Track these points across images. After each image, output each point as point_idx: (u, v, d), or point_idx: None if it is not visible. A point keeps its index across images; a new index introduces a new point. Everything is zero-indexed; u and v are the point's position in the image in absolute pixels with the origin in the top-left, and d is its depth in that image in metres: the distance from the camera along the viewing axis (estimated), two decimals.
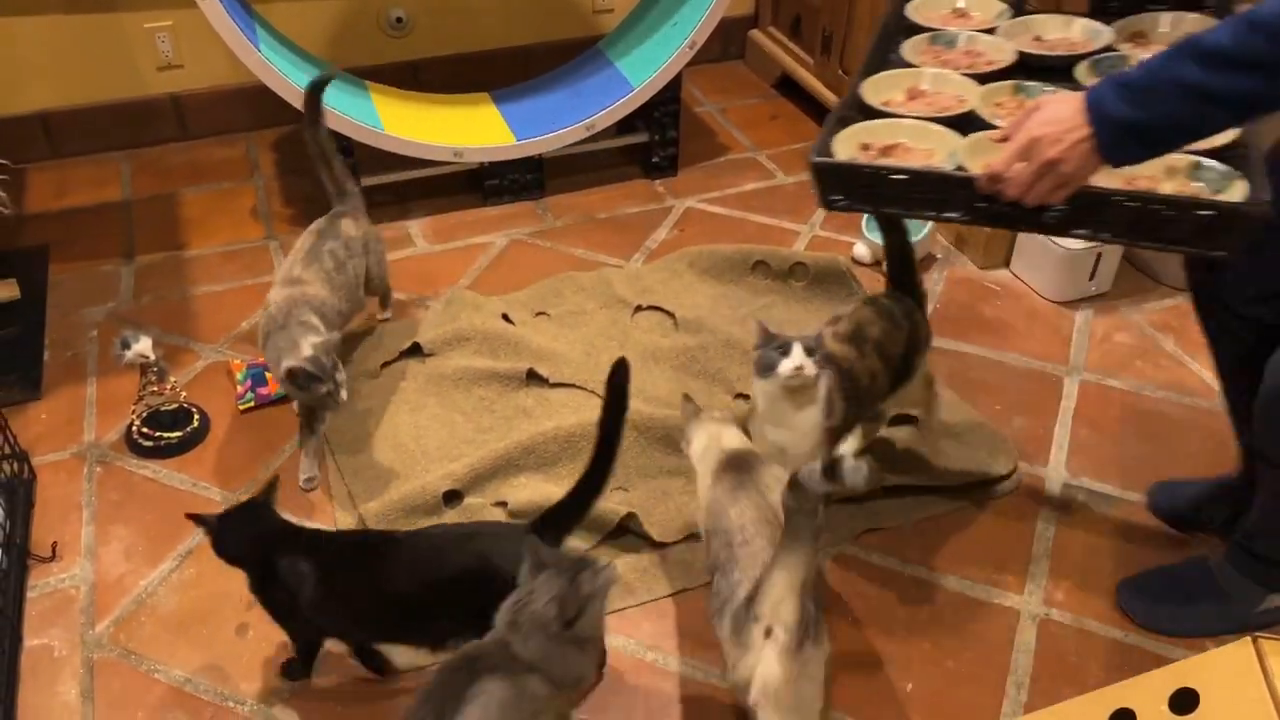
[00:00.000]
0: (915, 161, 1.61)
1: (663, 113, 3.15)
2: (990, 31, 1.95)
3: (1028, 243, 2.74)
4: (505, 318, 2.59)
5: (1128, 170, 1.40)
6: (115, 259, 2.87)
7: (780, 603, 1.39)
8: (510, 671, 1.39)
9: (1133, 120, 1.26)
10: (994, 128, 1.61)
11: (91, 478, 2.20)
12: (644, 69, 3.07)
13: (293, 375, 2.00)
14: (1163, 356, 2.52)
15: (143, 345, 2.16)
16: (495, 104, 3.20)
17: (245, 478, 2.20)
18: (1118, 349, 2.56)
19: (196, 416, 2.31)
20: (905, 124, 1.69)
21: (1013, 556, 2.03)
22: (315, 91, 2.39)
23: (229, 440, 2.30)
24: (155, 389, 2.25)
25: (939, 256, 2.88)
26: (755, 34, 3.90)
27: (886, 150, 1.65)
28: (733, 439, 1.78)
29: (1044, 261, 2.69)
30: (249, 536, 1.66)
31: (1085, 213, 1.42)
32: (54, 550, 2.02)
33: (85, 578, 1.99)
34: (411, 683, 1.78)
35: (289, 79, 2.67)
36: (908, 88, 1.81)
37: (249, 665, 1.83)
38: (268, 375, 2.39)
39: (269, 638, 1.86)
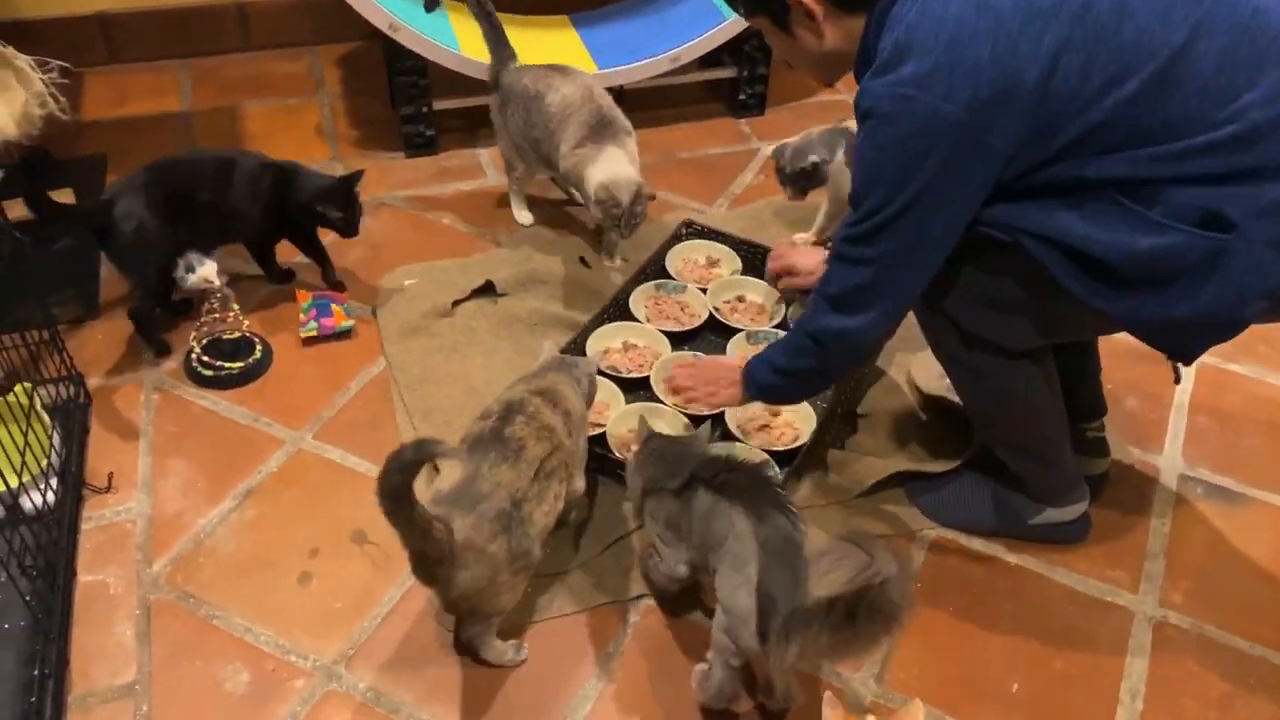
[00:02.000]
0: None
1: (754, 46, 2.95)
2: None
3: None
4: (582, 259, 2.45)
5: None
6: None
7: None
8: None
9: (772, 388, 1.78)
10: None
11: (149, 405, 2.09)
12: None
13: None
14: None
15: (207, 269, 2.04)
16: (575, 28, 3.01)
17: (308, 414, 2.09)
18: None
19: (259, 347, 2.19)
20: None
21: (1126, 551, 1.88)
22: None
23: (291, 374, 2.18)
24: (218, 316, 2.13)
25: None
26: None
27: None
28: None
29: None
30: None
31: None
32: (110, 481, 1.93)
33: (142, 512, 1.89)
34: (484, 670, 1.68)
35: None
36: (622, 340, 2.22)
37: (312, 618, 1.73)
38: (333, 307, 2.27)
39: (333, 590, 1.77)
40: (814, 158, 2.24)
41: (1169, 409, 2.17)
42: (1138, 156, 1.36)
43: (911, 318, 1.65)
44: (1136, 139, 1.36)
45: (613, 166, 2.24)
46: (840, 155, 2.24)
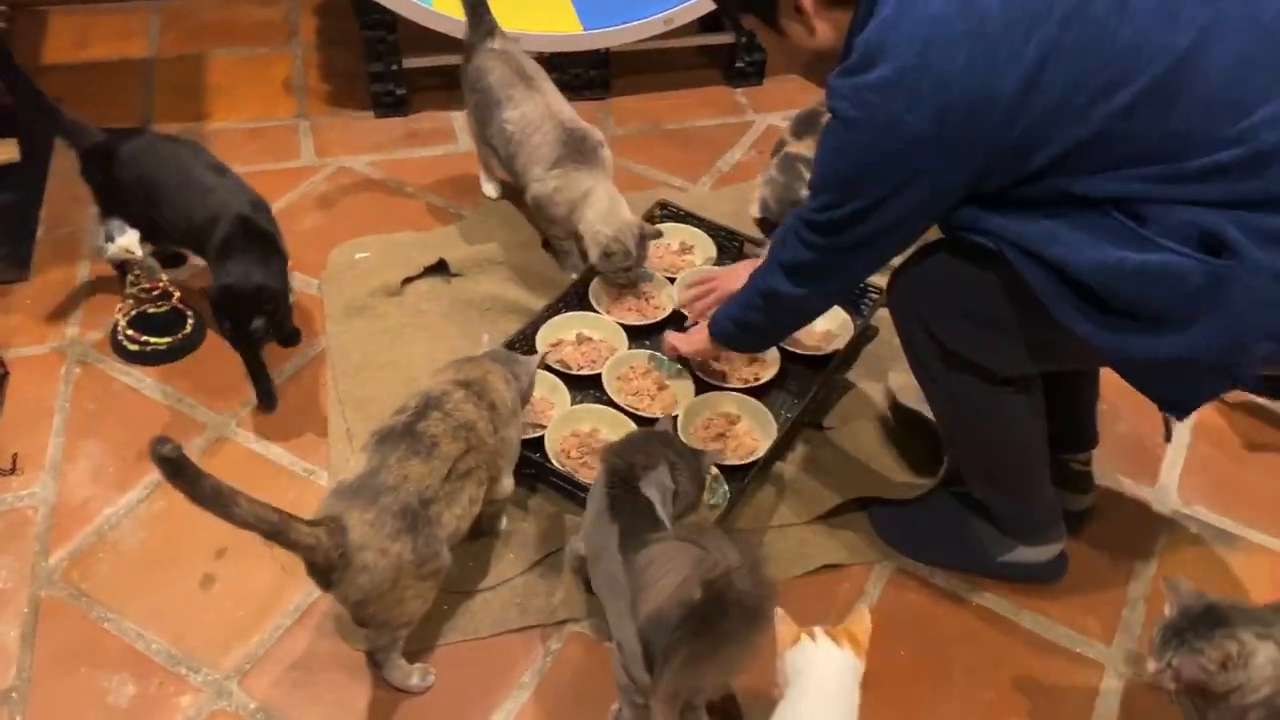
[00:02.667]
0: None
1: None
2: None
3: None
4: (545, 242, 2.28)
5: None
6: (130, 125, 2.59)
7: None
8: None
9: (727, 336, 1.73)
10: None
11: (69, 380, 1.97)
12: None
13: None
14: None
15: (128, 239, 1.90)
16: None
17: (236, 397, 1.95)
18: None
19: (190, 322, 2.06)
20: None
21: (1103, 597, 1.72)
22: None
23: (223, 351, 2.02)
24: (144, 287, 1.99)
25: None
26: None
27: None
28: None
29: None
30: None
31: None
32: (14, 463, 1.81)
33: (46, 498, 1.77)
34: (387, 694, 1.55)
35: None
36: (576, 332, 2.06)
37: (210, 625, 1.61)
38: None
39: (235, 595, 1.65)
40: (803, 193, 2.08)
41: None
42: (1130, 176, 1.19)
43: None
44: (1130, 158, 1.18)
45: (610, 209, 2.05)
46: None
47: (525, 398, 1.72)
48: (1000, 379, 1.46)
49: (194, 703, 1.52)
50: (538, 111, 2.11)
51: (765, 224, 2.23)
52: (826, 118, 2.02)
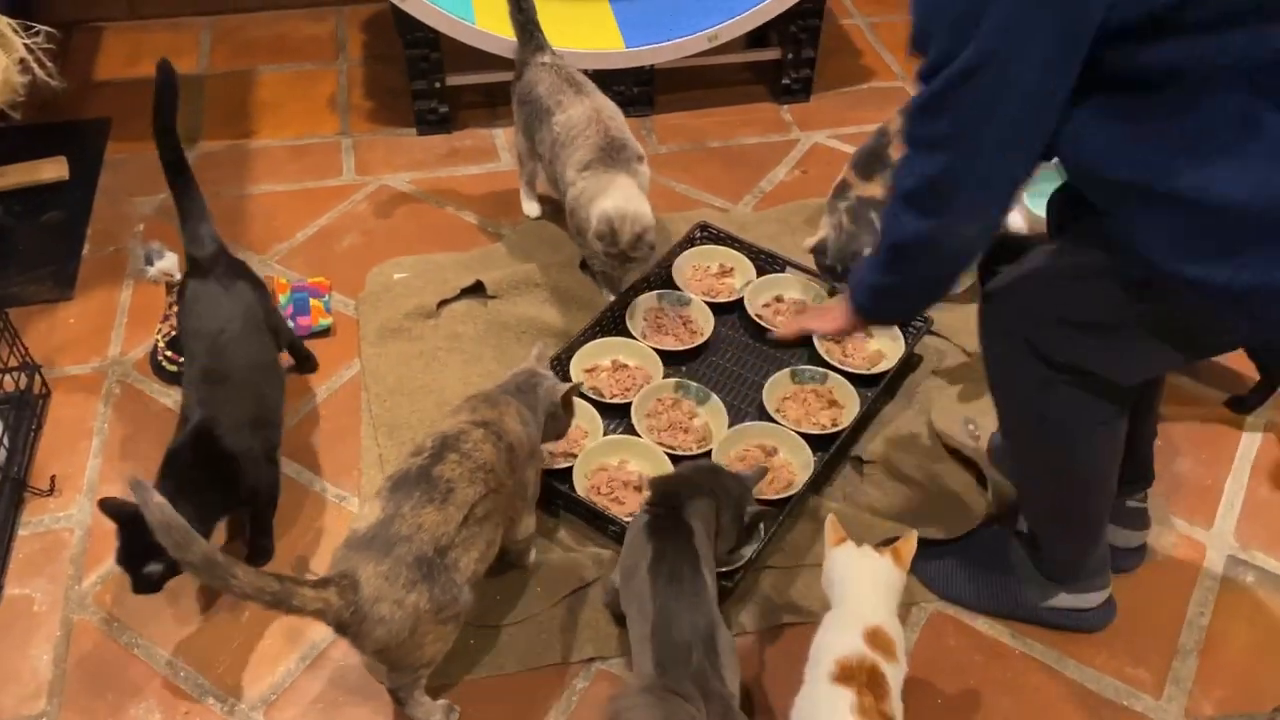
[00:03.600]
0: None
1: (801, 26, 2.69)
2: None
3: None
4: (584, 263, 2.25)
5: None
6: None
7: None
8: None
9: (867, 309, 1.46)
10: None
11: (108, 400, 1.98)
12: None
13: None
14: None
15: (167, 263, 1.91)
16: (609, 0, 2.79)
17: None
18: None
19: None
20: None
21: (1154, 646, 1.64)
22: None
23: None
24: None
25: None
26: None
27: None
28: None
29: None
30: None
31: None
32: (53, 484, 1.83)
33: (81, 521, 1.79)
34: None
35: None
36: (612, 358, 2.02)
37: (238, 654, 1.61)
38: (312, 303, 2.13)
39: (262, 623, 1.64)
40: (867, 250, 1.97)
41: (1226, 473, 1.90)
42: None
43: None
44: None
45: (622, 196, 1.98)
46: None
47: (560, 430, 1.69)
48: (1096, 410, 1.38)
49: None
50: (584, 115, 2.06)
51: (819, 260, 2.11)
52: (891, 151, 1.98)
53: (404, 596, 1.33)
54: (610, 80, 2.66)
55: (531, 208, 2.41)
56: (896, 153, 1.97)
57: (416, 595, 1.34)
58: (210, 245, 1.81)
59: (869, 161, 2.06)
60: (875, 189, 2.02)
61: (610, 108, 2.13)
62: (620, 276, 2.14)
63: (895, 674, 1.32)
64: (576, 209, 2.05)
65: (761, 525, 1.70)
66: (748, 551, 1.66)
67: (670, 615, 1.31)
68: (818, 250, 2.06)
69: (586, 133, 2.04)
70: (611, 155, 2.02)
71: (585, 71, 2.60)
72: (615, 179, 2.00)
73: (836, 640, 1.35)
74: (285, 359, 1.95)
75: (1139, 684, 1.60)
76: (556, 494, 1.74)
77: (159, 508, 1.19)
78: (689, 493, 1.50)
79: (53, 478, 1.84)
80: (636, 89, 2.71)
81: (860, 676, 1.29)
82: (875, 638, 1.33)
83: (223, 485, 1.61)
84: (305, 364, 2.04)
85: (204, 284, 1.76)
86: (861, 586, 1.40)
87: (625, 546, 1.51)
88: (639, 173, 2.05)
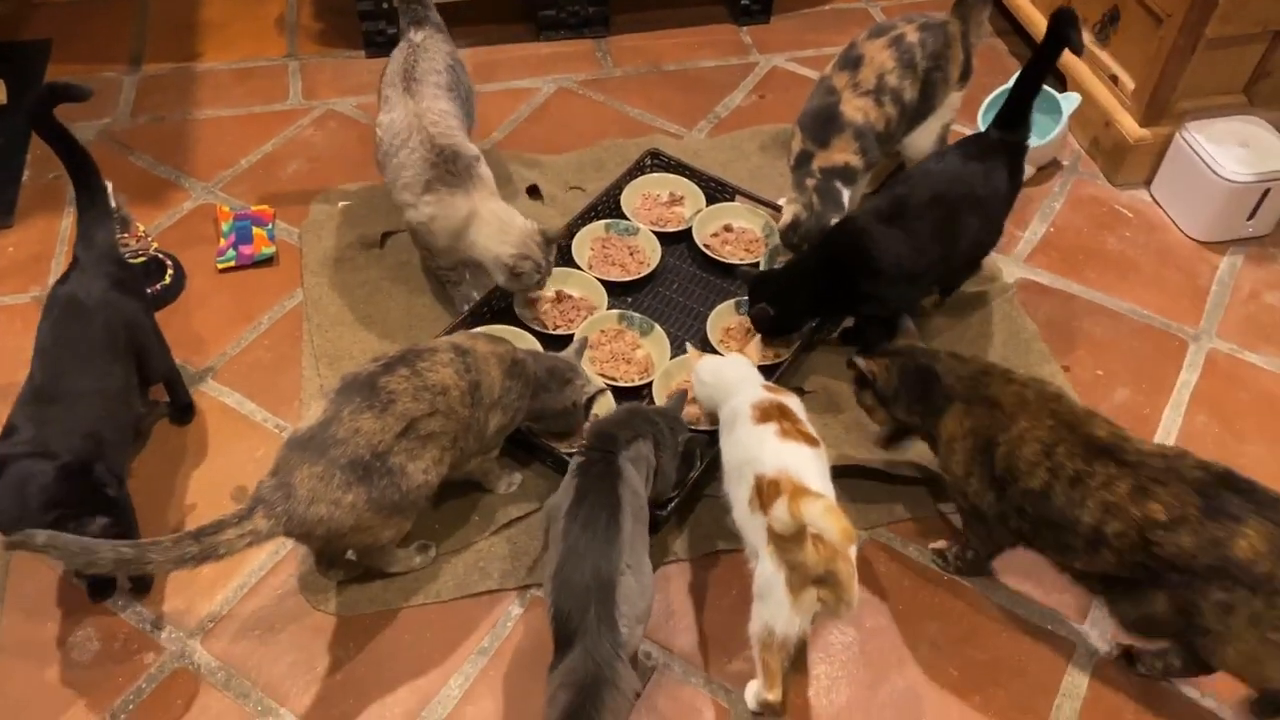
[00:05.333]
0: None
1: None
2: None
3: (1179, 161, 2.22)
4: (533, 189, 2.23)
5: None
6: (120, 64, 2.56)
7: None
8: None
9: None
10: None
11: None
12: None
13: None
14: None
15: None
16: None
17: (213, 349, 1.95)
18: (1266, 313, 2.08)
19: (170, 271, 2.04)
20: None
21: None
22: None
23: (202, 301, 2.03)
24: (122, 238, 1.97)
25: (1065, 164, 2.38)
26: None
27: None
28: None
29: (1196, 188, 2.18)
30: None
31: None
32: None
33: None
34: (345, 657, 1.56)
35: None
36: (556, 289, 2.01)
37: (176, 583, 1.63)
38: (255, 231, 2.10)
39: None
40: (834, 221, 1.91)
41: (1165, 403, 1.91)
42: None
43: None
44: None
45: (501, 227, 1.82)
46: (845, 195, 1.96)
47: (570, 426, 1.74)
48: None
49: (156, 660, 1.54)
50: (404, 122, 1.85)
51: (788, 239, 2.00)
52: (844, 109, 1.91)
53: (340, 496, 1.39)
54: (564, 0, 2.61)
55: None
56: (848, 109, 1.93)
57: (354, 495, 1.40)
58: (98, 249, 1.64)
59: (822, 124, 1.95)
60: (836, 155, 1.94)
61: (437, 106, 1.89)
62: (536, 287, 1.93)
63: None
64: (430, 237, 1.86)
65: (698, 451, 1.72)
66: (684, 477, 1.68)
67: (575, 558, 1.33)
68: (788, 230, 1.97)
69: (410, 144, 1.83)
70: (448, 169, 1.82)
71: None
72: (472, 206, 1.82)
73: (742, 400, 1.55)
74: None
75: (1064, 609, 1.63)
76: None
77: (49, 539, 1.25)
78: (627, 436, 1.50)
79: None
80: (592, 8, 2.64)
81: (773, 412, 1.51)
82: (770, 387, 1.60)
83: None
84: (182, 414, 1.82)
85: (71, 290, 1.59)
86: (739, 368, 1.66)
87: (561, 486, 1.52)
88: (482, 179, 1.86)
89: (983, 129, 2.27)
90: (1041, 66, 1.79)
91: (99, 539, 1.28)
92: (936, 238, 1.78)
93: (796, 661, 1.55)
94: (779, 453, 1.44)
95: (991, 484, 1.48)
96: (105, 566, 1.28)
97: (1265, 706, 1.48)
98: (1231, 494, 1.33)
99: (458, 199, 1.82)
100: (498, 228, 1.82)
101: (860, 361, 1.62)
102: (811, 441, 1.48)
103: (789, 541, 1.32)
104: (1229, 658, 1.35)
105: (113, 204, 1.89)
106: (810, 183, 1.94)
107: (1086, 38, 2.35)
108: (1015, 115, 1.82)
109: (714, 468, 1.73)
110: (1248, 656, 1.33)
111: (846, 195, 1.94)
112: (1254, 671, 1.36)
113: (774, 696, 1.41)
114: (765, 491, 1.38)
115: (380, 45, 2.59)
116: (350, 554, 1.59)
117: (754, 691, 1.46)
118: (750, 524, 1.41)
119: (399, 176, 1.85)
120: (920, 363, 1.59)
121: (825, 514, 1.27)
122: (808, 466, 1.42)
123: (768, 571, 1.35)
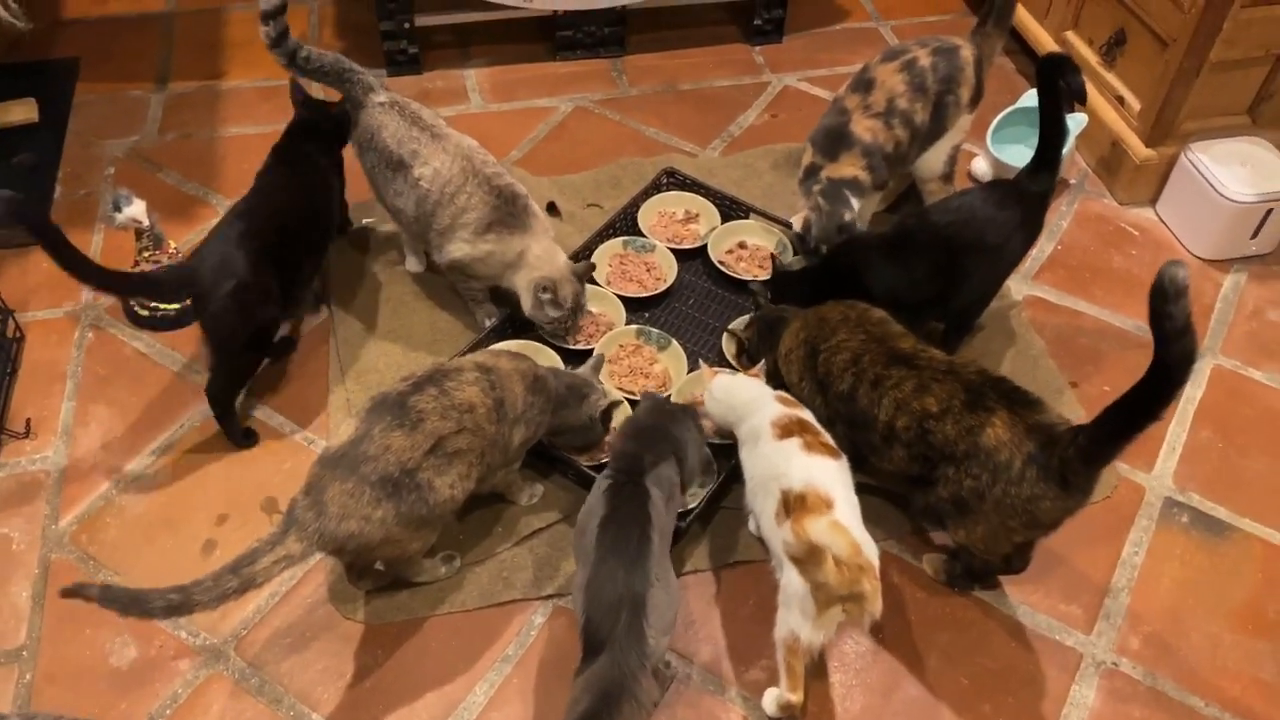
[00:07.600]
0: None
1: None
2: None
3: (1184, 181, 2.26)
4: (551, 206, 2.28)
5: None
6: (147, 83, 2.62)
7: None
8: None
9: None
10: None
11: (81, 344, 2.02)
12: None
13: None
14: None
15: (135, 209, 1.93)
16: None
17: None
18: (1269, 330, 2.13)
19: None
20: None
21: (1087, 584, 1.72)
22: None
23: None
24: (153, 254, 2.03)
25: (1072, 183, 2.43)
26: None
27: None
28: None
29: (1200, 207, 2.22)
30: None
31: None
32: (28, 427, 1.88)
33: (57, 462, 1.84)
34: (373, 664, 1.61)
35: None
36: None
37: None
38: None
39: None
40: (848, 217, 1.95)
41: (1169, 418, 1.96)
42: None
43: None
44: None
45: (547, 260, 1.91)
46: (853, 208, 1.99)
47: (591, 440, 1.79)
48: None
49: (191, 666, 1.59)
50: (457, 168, 1.88)
51: (803, 242, 2.05)
52: (853, 128, 1.96)
53: (370, 512, 1.44)
54: (580, 21, 2.67)
55: (413, 263, 2.16)
56: (858, 128, 1.98)
57: (383, 511, 1.45)
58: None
59: (833, 141, 2.00)
60: (844, 169, 1.98)
61: (472, 146, 1.94)
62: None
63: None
64: (479, 266, 1.93)
65: (713, 464, 1.76)
66: (702, 491, 1.72)
67: (607, 572, 1.38)
68: (802, 234, 2.01)
69: (467, 188, 1.87)
70: (508, 210, 1.88)
71: (557, 13, 2.62)
72: (527, 244, 1.90)
73: (761, 417, 1.60)
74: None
75: (1070, 620, 1.68)
76: None
77: (103, 592, 1.33)
78: (652, 459, 1.53)
79: (28, 420, 1.88)
80: (608, 29, 2.70)
81: (794, 426, 1.56)
82: (785, 401, 1.64)
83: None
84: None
85: None
86: (752, 387, 1.69)
87: (586, 503, 1.56)
88: (536, 218, 1.93)
89: (990, 148, 2.33)
90: (1055, 113, 1.77)
91: (148, 590, 1.35)
92: (933, 278, 1.84)
93: (814, 667, 1.59)
94: (807, 467, 1.49)
95: (818, 389, 1.69)
96: (154, 612, 1.35)
97: (959, 573, 1.69)
98: (994, 393, 1.51)
99: (515, 239, 1.89)
100: (545, 261, 1.90)
101: (740, 332, 1.91)
102: (834, 454, 1.53)
103: (807, 562, 1.36)
104: (977, 536, 1.55)
105: (146, 221, 1.96)
106: (817, 188, 2.00)
107: (1093, 59, 2.40)
108: (1042, 163, 1.81)
109: (731, 480, 1.78)
110: (991, 537, 1.54)
111: (855, 201, 1.98)
112: (992, 548, 1.57)
113: (796, 698, 1.47)
114: (792, 505, 1.43)
115: (401, 64, 2.65)
116: (379, 564, 1.64)
117: (773, 698, 1.51)
118: (777, 536, 1.46)
119: (458, 220, 1.88)
120: (776, 315, 1.83)
121: (829, 530, 1.32)
122: (834, 479, 1.48)
123: (795, 583, 1.40)
